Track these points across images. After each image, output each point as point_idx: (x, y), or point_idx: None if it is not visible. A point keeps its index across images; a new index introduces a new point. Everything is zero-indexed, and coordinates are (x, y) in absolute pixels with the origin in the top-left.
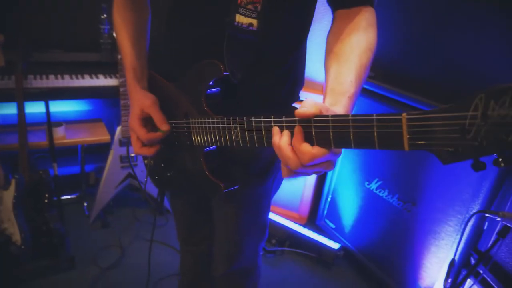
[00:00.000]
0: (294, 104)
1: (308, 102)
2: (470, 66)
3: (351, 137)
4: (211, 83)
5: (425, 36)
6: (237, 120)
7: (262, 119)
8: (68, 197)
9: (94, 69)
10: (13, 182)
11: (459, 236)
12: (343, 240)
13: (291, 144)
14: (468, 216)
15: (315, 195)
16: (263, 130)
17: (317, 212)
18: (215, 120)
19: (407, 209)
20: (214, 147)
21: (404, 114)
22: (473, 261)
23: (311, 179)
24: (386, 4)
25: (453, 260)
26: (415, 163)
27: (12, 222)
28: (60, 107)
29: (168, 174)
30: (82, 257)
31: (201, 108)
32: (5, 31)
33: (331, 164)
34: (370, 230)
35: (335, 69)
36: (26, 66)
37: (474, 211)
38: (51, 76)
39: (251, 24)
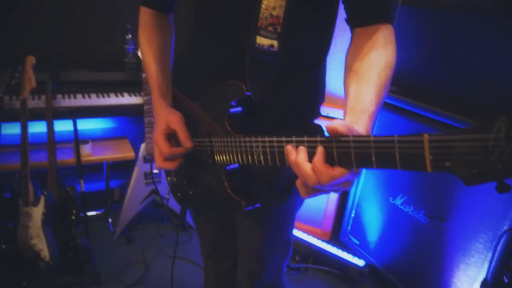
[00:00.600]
0: (316, 121)
1: (338, 122)
2: (494, 79)
3: (373, 157)
4: (233, 103)
5: (447, 49)
6: (259, 139)
7: (284, 139)
8: (94, 213)
9: (119, 87)
10: (42, 198)
11: (489, 254)
12: (368, 256)
13: (309, 160)
14: (499, 233)
15: (338, 210)
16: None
17: (341, 228)
18: (237, 139)
19: (434, 225)
20: (236, 165)
21: (426, 135)
22: (506, 280)
23: (334, 195)
24: (407, 16)
25: (485, 279)
26: (441, 178)
27: (40, 238)
28: (86, 125)
29: (190, 192)
30: (107, 273)
31: (224, 127)
32: (36, 53)
33: (350, 183)
34: (395, 247)
35: (354, 88)
36: (55, 86)
37: (505, 227)
38: (79, 95)
39: (271, 45)
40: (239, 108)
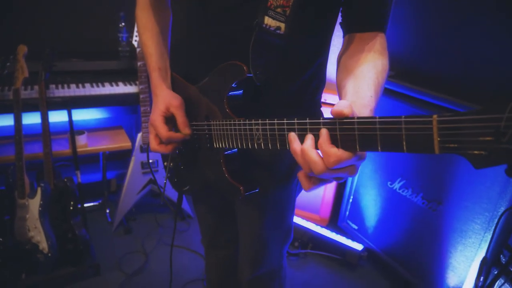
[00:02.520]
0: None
1: (343, 103)
2: (493, 63)
3: (378, 139)
4: (233, 84)
5: (446, 32)
6: (260, 122)
7: (285, 121)
8: (91, 204)
9: (113, 77)
10: (39, 190)
11: (487, 234)
12: (367, 241)
13: (315, 147)
14: (496, 213)
15: (336, 196)
16: (285, 132)
17: (339, 213)
18: (236, 122)
19: (432, 208)
20: (235, 150)
21: (435, 116)
22: (503, 259)
23: None
24: (403, 2)
25: (485, 258)
26: (439, 161)
27: (38, 230)
28: (81, 116)
29: (188, 177)
30: (106, 263)
31: (223, 110)
32: (28, 42)
33: (355, 169)
34: (394, 231)
35: (353, 85)
36: (48, 76)
37: (502, 208)
38: (73, 85)
39: (278, 28)
40: (240, 91)
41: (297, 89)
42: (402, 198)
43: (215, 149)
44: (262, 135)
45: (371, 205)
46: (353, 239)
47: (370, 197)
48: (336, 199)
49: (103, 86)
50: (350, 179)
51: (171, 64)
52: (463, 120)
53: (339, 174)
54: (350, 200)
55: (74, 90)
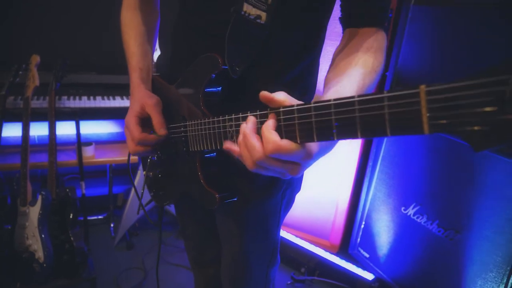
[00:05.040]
0: None
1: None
2: None
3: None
4: (209, 79)
5: (462, 48)
6: (233, 117)
7: (258, 113)
8: (96, 217)
9: (125, 91)
10: (39, 198)
11: (510, 268)
12: (378, 270)
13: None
14: None
15: (348, 221)
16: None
17: (350, 240)
18: (210, 120)
19: (449, 237)
20: (213, 154)
21: (422, 87)
22: None
23: (343, 205)
24: (421, 16)
25: None
26: (458, 185)
27: (36, 238)
28: (92, 129)
29: (166, 186)
30: (104, 278)
31: (199, 108)
32: (42, 52)
33: (298, 168)
34: (408, 260)
35: (335, 82)
36: (60, 86)
37: None
38: (84, 97)
39: (258, 17)
40: (216, 87)
41: (279, 89)
42: (417, 225)
43: (191, 153)
44: (235, 132)
45: (383, 232)
46: (364, 268)
47: (383, 223)
48: (347, 224)
49: (114, 99)
50: (361, 203)
51: (159, 67)
52: (457, 88)
53: (278, 167)
54: (362, 226)
55: (84, 102)
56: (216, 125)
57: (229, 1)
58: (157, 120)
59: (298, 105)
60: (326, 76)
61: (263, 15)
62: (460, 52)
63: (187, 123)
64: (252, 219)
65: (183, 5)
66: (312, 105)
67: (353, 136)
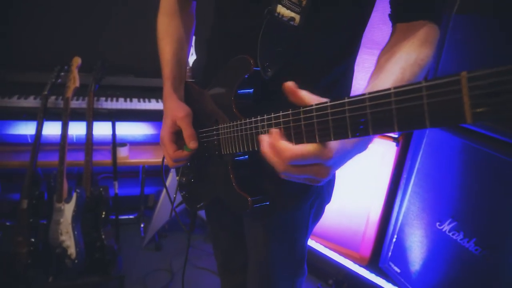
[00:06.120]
0: None
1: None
2: None
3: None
4: (241, 81)
5: (500, 58)
6: (265, 117)
7: (290, 112)
8: (127, 217)
9: (160, 94)
10: (74, 196)
11: None
12: (409, 286)
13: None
14: None
15: (379, 234)
16: (291, 124)
17: (381, 253)
18: (242, 122)
19: (486, 256)
20: (245, 157)
21: (463, 73)
22: None
23: (374, 216)
24: (463, 25)
25: None
26: (497, 202)
27: (69, 235)
28: (127, 131)
29: (198, 191)
30: (132, 277)
31: (231, 111)
32: (83, 55)
33: (322, 169)
34: (441, 279)
35: (373, 78)
36: (98, 88)
37: None
38: (121, 99)
39: (292, 19)
40: (248, 89)
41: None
42: (452, 242)
43: (224, 156)
44: (267, 132)
45: (416, 247)
46: (394, 284)
47: (416, 237)
48: (378, 236)
49: (149, 101)
50: (394, 216)
51: (194, 71)
52: (500, 72)
53: (304, 174)
54: (394, 240)
55: (121, 104)
56: (248, 126)
57: (263, 7)
58: (187, 133)
59: (331, 101)
60: (375, 68)
61: (297, 17)
62: (501, 62)
63: (219, 126)
64: (279, 228)
65: (218, 11)
66: (346, 100)
67: (389, 129)
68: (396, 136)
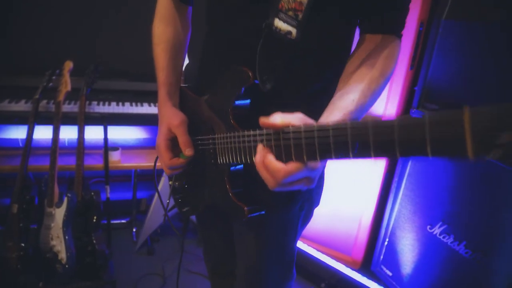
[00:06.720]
0: None
1: (276, 115)
2: None
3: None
4: (239, 92)
5: (495, 64)
6: (264, 133)
7: (291, 130)
8: (119, 221)
9: (153, 98)
10: (65, 200)
11: None
12: None
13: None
14: None
15: (371, 237)
16: (291, 143)
17: (373, 256)
18: (240, 134)
19: (477, 260)
20: (240, 166)
21: (467, 109)
22: None
23: (366, 220)
24: (452, 31)
25: None
26: (487, 205)
27: (60, 239)
28: (119, 134)
29: (192, 197)
30: (123, 282)
31: (227, 121)
32: (75, 58)
33: (310, 180)
34: (432, 281)
35: (342, 86)
36: (90, 92)
37: None
38: (113, 103)
39: (289, 33)
40: (245, 100)
41: (306, 102)
42: (443, 245)
43: (219, 165)
44: (266, 145)
45: (408, 250)
46: (386, 286)
47: (407, 241)
48: (370, 240)
49: (142, 105)
50: (386, 219)
51: (187, 76)
52: (504, 112)
53: (296, 186)
54: (386, 243)
55: (113, 107)
56: (245, 139)
57: (256, 13)
58: (183, 139)
59: (318, 125)
60: (340, 79)
61: (294, 31)
62: (491, 67)
63: (216, 136)
64: (270, 231)
65: (212, 16)
66: (330, 127)
67: (368, 156)
68: None
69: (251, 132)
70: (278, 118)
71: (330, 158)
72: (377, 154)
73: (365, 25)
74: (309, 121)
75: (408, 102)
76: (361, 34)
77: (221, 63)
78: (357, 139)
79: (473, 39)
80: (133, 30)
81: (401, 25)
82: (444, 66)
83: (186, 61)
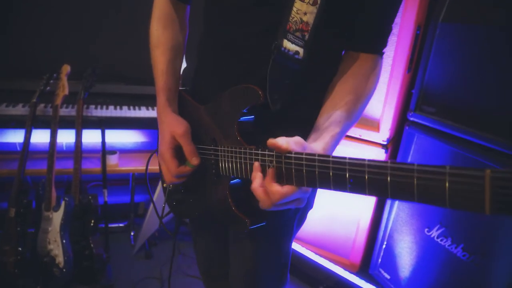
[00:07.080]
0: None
1: (281, 138)
2: None
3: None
4: (246, 109)
5: (493, 66)
6: (274, 154)
7: (304, 156)
8: (117, 225)
9: (151, 101)
10: (63, 204)
11: None
12: None
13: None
14: None
15: (369, 240)
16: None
17: (371, 259)
18: (248, 151)
19: (474, 262)
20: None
21: (488, 172)
22: None
23: (364, 223)
24: (449, 33)
25: None
26: None
27: (57, 243)
28: (117, 138)
29: (187, 201)
30: (121, 285)
31: (232, 135)
32: (72, 62)
33: (301, 201)
34: (430, 284)
35: (328, 107)
36: (88, 95)
37: None
38: (111, 107)
39: (297, 53)
40: (251, 116)
41: (312, 116)
42: (441, 248)
43: (221, 176)
44: (276, 166)
45: (406, 253)
46: None
47: (405, 244)
48: (368, 243)
49: (140, 109)
50: (384, 222)
51: (185, 79)
52: None
53: (287, 207)
54: (384, 246)
55: (111, 111)
56: (254, 157)
57: (256, 15)
58: (188, 149)
59: (319, 155)
60: (324, 99)
61: (301, 51)
62: (488, 70)
63: (219, 148)
64: (265, 235)
65: (210, 15)
66: (330, 159)
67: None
68: (385, 143)
69: (260, 151)
70: (284, 142)
71: (329, 188)
72: (394, 196)
73: (350, 43)
74: (305, 144)
75: (405, 105)
76: (345, 50)
77: (218, 64)
78: (390, 182)
79: (470, 42)
80: (130, 34)
81: (384, 45)
82: (441, 69)
83: (184, 65)
